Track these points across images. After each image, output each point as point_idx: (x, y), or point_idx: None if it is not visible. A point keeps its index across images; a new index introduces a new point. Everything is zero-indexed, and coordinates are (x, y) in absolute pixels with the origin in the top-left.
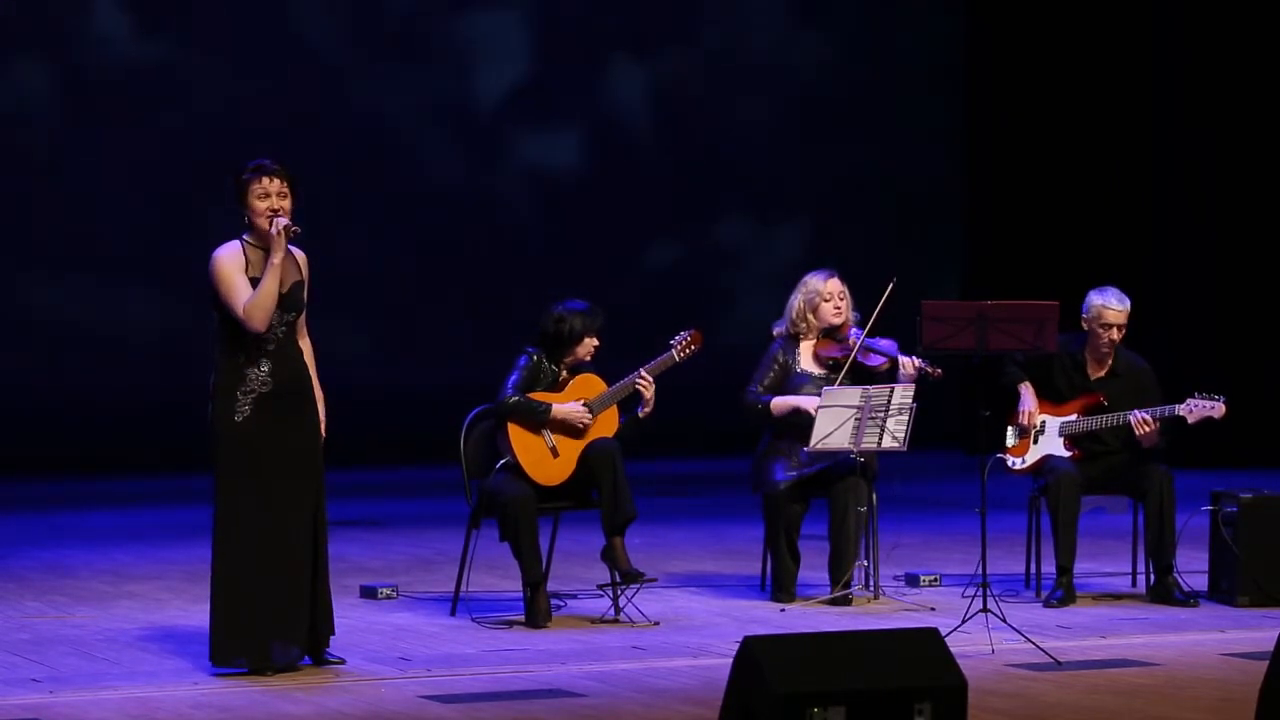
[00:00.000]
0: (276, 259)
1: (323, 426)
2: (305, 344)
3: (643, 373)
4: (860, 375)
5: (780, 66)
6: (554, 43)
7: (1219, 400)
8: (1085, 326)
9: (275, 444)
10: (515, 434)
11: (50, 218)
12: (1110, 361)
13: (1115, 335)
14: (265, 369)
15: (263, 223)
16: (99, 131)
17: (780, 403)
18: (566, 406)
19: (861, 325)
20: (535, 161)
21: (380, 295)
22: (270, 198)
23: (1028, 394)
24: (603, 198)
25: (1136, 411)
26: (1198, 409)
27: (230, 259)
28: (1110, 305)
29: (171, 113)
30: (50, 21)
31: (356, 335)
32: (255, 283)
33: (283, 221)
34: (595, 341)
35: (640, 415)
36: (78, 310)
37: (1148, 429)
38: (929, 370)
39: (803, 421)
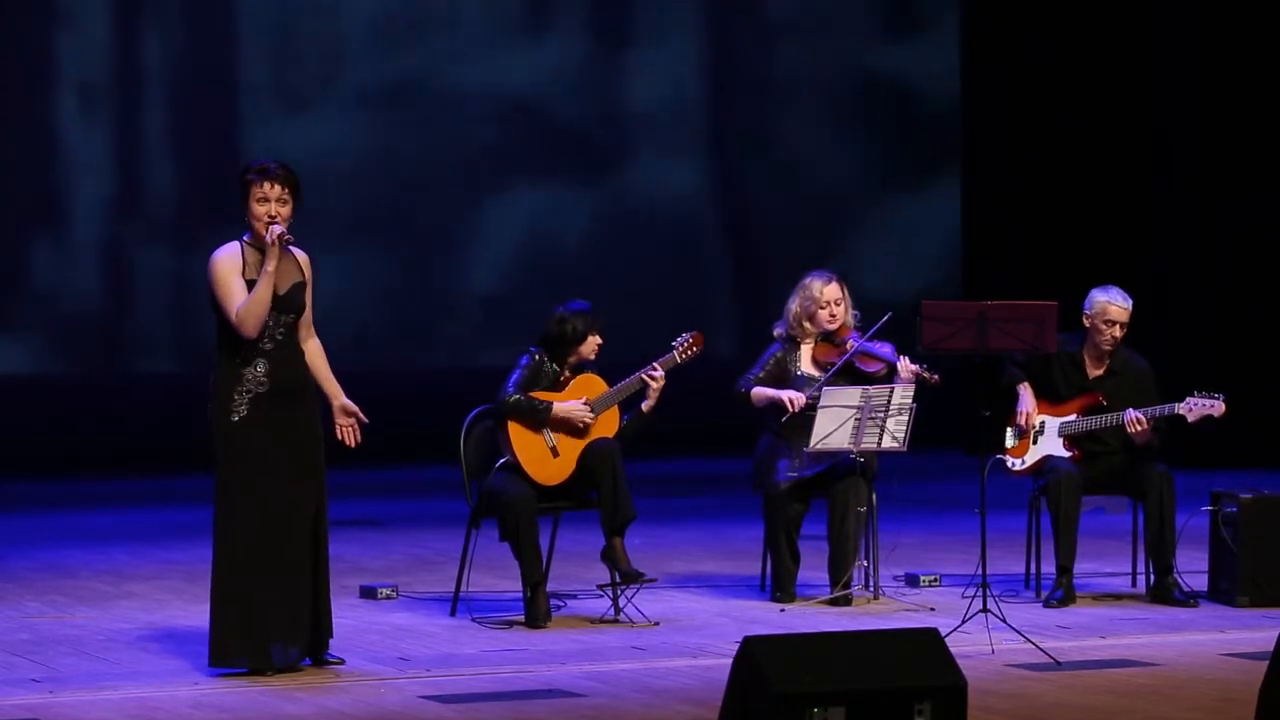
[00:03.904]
0: (270, 266)
1: (352, 427)
2: (312, 344)
3: (655, 365)
4: (858, 379)
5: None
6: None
7: (1218, 399)
8: (1087, 323)
9: (273, 444)
10: (515, 433)
11: (51, 217)
12: (1109, 360)
13: (1117, 333)
14: (262, 370)
15: (260, 228)
16: (102, 131)
17: (759, 393)
18: (568, 405)
19: (861, 331)
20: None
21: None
22: (269, 203)
23: (1026, 395)
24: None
25: (1131, 410)
26: (1197, 407)
27: (227, 261)
28: (1115, 302)
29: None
30: None
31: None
32: (252, 285)
33: (278, 229)
34: (599, 340)
35: (644, 409)
36: (79, 308)
37: (1140, 428)
38: (927, 376)
39: (800, 421)
